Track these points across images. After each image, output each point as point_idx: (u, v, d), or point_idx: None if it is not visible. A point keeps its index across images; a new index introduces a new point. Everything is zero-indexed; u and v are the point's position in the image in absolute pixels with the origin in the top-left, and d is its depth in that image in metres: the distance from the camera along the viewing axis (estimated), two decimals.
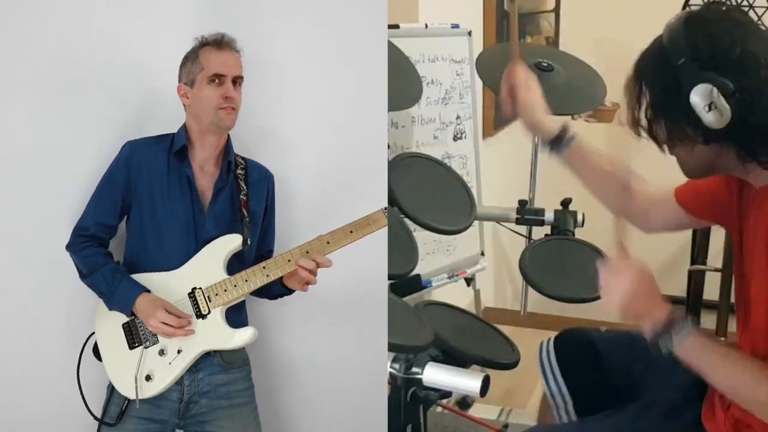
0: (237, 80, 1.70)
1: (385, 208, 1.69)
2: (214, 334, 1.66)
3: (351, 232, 1.68)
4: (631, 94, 1.31)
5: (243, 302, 1.76)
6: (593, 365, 1.63)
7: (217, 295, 1.66)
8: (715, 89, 1.20)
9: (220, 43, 1.69)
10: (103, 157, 1.74)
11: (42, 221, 1.75)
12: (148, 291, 1.65)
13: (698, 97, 1.22)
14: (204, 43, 1.70)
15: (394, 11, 2.02)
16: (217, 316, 1.66)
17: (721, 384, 1.30)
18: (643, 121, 1.31)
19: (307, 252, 1.67)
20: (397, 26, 2.57)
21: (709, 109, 1.21)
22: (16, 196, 1.76)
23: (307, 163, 1.93)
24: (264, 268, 1.67)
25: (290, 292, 1.77)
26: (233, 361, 1.74)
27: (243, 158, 1.78)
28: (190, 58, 1.70)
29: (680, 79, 1.23)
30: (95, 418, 1.68)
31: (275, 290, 1.76)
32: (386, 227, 1.71)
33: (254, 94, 1.84)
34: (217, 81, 1.66)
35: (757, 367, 1.25)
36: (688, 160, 1.34)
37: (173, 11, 1.82)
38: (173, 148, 1.70)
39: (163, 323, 1.61)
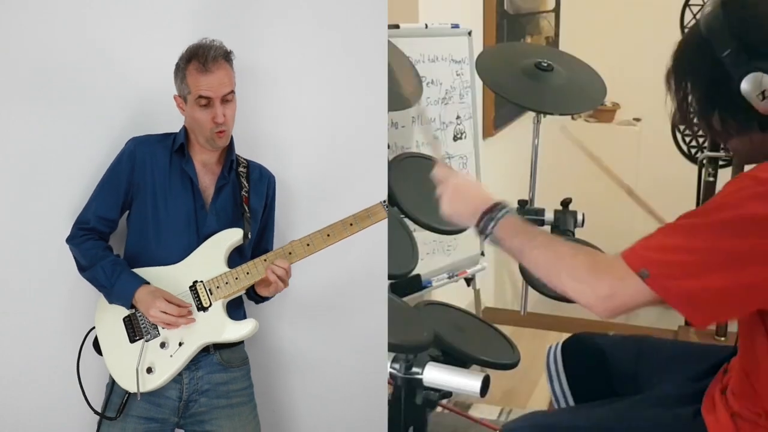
0: (227, 96, 1.67)
1: (384, 201, 1.70)
2: (216, 326, 1.67)
3: (351, 224, 1.69)
4: (676, 89, 1.29)
5: (241, 300, 1.77)
6: (599, 373, 1.64)
7: (218, 287, 1.67)
8: (765, 76, 1.18)
9: (205, 63, 1.64)
10: (104, 153, 1.75)
11: (42, 217, 1.76)
12: (148, 283, 1.65)
13: (750, 86, 1.19)
14: (189, 58, 1.65)
15: (394, 11, 2.02)
16: (218, 308, 1.67)
17: (536, 257, 1.32)
18: (694, 116, 1.30)
19: (308, 245, 1.68)
20: (397, 26, 2.57)
21: (763, 97, 1.19)
22: (17, 191, 1.76)
23: (308, 163, 1.93)
24: (265, 260, 1.68)
25: (264, 299, 1.77)
26: (232, 360, 1.74)
27: (245, 159, 1.79)
28: (179, 74, 1.68)
29: (728, 70, 1.21)
30: (95, 412, 1.68)
31: (250, 295, 1.78)
32: (386, 221, 1.72)
33: (254, 94, 1.84)
34: (205, 103, 1.65)
35: (573, 243, 1.28)
36: (746, 148, 1.30)
37: (173, 11, 1.82)
38: (174, 146, 1.72)
39: (164, 312, 1.61)
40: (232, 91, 1.68)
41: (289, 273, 1.68)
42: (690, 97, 1.28)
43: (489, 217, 1.38)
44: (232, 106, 1.69)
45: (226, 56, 1.68)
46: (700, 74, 1.26)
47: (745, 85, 1.20)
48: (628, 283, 1.20)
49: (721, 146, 2.81)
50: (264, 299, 1.77)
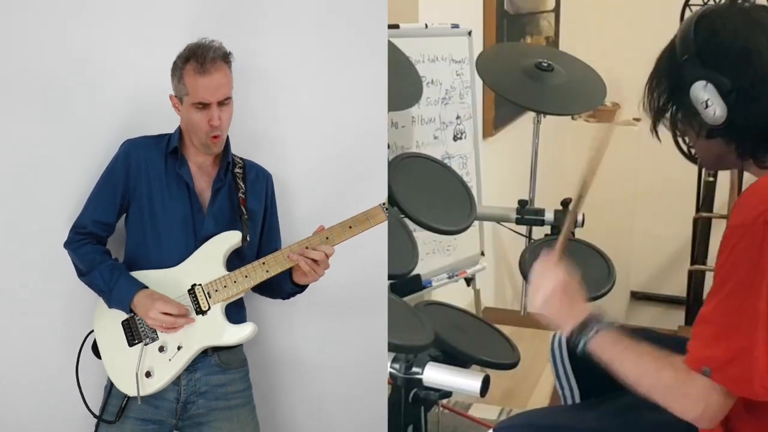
0: (224, 101, 1.66)
1: (384, 204, 1.69)
2: (215, 329, 1.66)
3: (350, 227, 1.68)
4: (649, 83, 1.34)
5: (242, 301, 1.76)
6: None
7: (216, 291, 1.66)
8: (711, 86, 1.22)
9: (203, 64, 1.62)
10: (101, 156, 1.74)
11: (40, 221, 1.75)
12: (146, 287, 1.65)
13: (697, 92, 1.24)
14: (188, 58, 1.64)
15: (394, 11, 2.02)
16: (217, 312, 1.66)
17: (627, 374, 1.31)
18: (658, 112, 1.34)
19: (306, 248, 1.67)
20: (397, 26, 2.57)
21: (707, 105, 1.23)
22: (14, 195, 1.76)
23: (308, 163, 1.92)
24: (263, 263, 1.67)
25: (302, 289, 1.76)
26: (231, 362, 1.74)
27: (241, 158, 1.78)
28: (176, 74, 1.66)
29: (684, 74, 1.26)
30: (94, 415, 1.67)
31: (287, 289, 1.76)
32: (386, 223, 1.71)
33: (254, 95, 1.84)
34: (202, 106, 1.64)
35: (659, 355, 1.27)
36: (706, 155, 1.36)
37: (172, 12, 1.81)
38: (168, 149, 1.70)
39: (164, 313, 1.60)
40: (230, 97, 1.67)
41: (325, 261, 1.65)
42: (656, 92, 1.33)
43: (581, 333, 1.35)
44: (228, 110, 1.67)
45: (225, 58, 1.66)
46: (665, 73, 1.31)
47: (693, 92, 1.24)
48: (707, 389, 1.20)
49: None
50: (296, 291, 1.75)
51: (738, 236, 1.17)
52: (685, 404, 1.24)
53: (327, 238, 1.67)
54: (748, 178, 1.33)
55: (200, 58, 1.62)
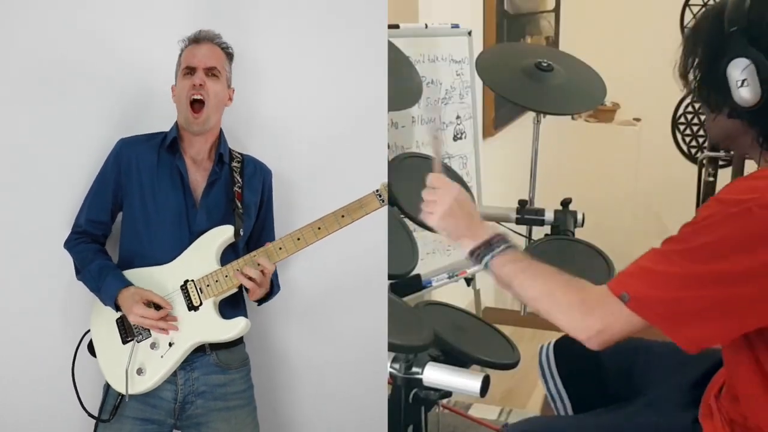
0: (212, 71, 1.68)
1: (378, 191, 1.66)
2: (206, 325, 1.65)
3: (342, 216, 1.65)
4: (685, 46, 1.28)
5: (241, 299, 1.75)
6: (593, 371, 1.63)
7: (208, 286, 1.65)
8: (753, 66, 1.18)
9: (196, 38, 1.70)
10: (100, 155, 1.74)
11: (38, 220, 1.75)
12: (131, 285, 1.64)
13: (735, 70, 1.19)
14: (188, 42, 1.71)
15: (394, 11, 2.02)
16: (209, 307, 1.65)
17: (528, 290, 1.34)
18: (689, 75, 1.29)
19: (298, 239, 1.64)
20: (397, 26, 2.57)
21: (742, 84, 1.18)
22: (12, 195, 1.75)
23: (307, 163, 1.92)
24: (254, 257, 1.66)
25: (262, 301, 1.74)
26: (231, 362, 1.73)
27: (240, 153, 1.78)
28: (178, 61, 1.72)
29: (725, 48, 1.20)
30: (90, 415, 1.67)
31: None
32: (386, 224, 1.71)
33: (254, 94, 1.84)
34: (188, 72, 1.67)
35: (566, 276, 1.30)
36: (712, 125, 1.31)
37: (170, 9, 1.82)
38: (165, 143, 1.71)
39: (143, 317, 1.60)
40: (217, 68, 1.68)
41: (264, 275, 1.64)
42: (693, 58, 1.28)
43: (487, 249, 1.40)
44: (216, 85, 1.68)
45: (223, 46, 1.72)
46: (704, 40, 1.26)
47: (731, 68, 1.19)
48: (615, 313, 1.22)
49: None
50: (262, 301, 1.75)
51: (726, 211, 1.16)
52: (585, 321, 1.25)
53: (319, 228, 1.64)
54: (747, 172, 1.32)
55: (197, 36, 1.70)
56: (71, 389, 1.68)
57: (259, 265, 1.64)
